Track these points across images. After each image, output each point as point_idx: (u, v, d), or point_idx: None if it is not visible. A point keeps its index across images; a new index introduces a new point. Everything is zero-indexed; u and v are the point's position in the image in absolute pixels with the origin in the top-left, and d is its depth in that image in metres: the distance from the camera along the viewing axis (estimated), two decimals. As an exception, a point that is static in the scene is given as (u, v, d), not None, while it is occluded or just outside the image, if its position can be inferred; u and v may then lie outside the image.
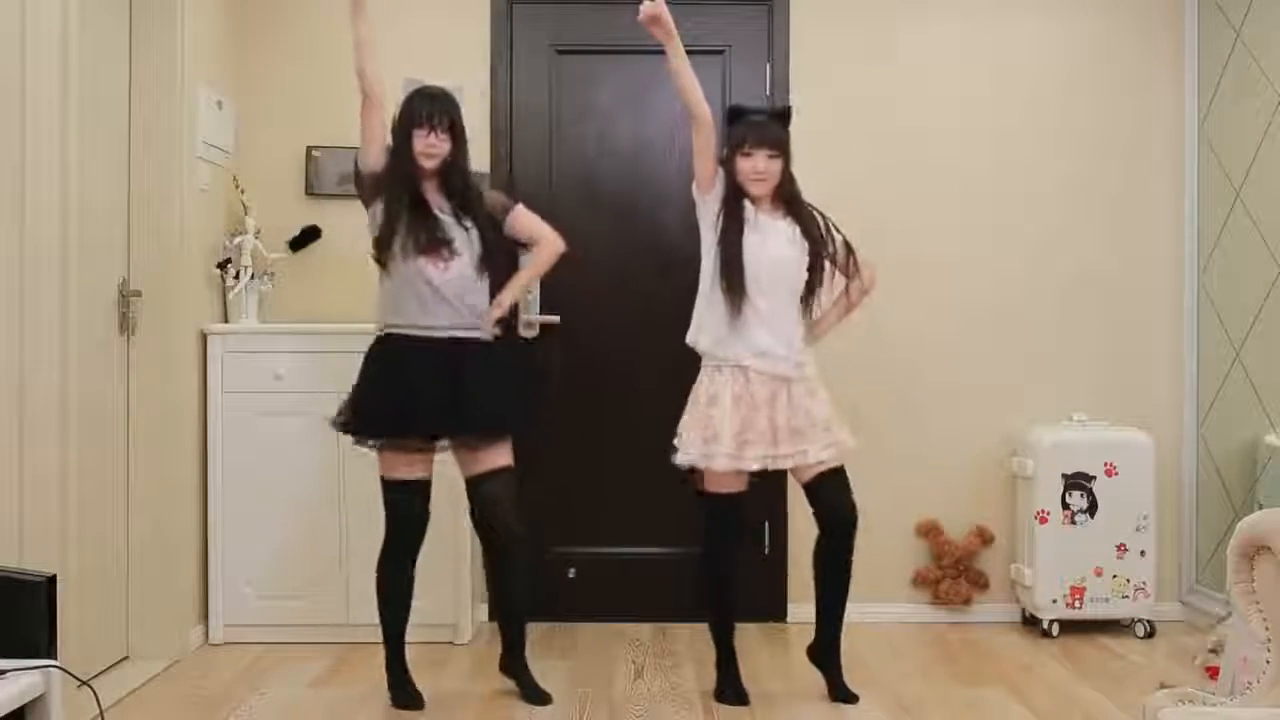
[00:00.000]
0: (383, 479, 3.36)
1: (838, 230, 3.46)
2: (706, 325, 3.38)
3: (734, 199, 3.36)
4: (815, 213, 3.44)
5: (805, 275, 3.37)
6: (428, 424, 3.28)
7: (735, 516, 3.42)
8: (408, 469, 3.34)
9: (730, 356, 3.32)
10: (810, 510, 3.44)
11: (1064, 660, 3.86)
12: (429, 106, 3.29)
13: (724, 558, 3.44)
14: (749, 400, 3.30)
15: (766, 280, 3.31)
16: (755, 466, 3.30)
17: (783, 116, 3.44)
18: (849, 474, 3.43)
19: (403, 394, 3.25)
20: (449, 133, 3.30)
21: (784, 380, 3.32)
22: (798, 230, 3.37)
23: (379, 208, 3.32)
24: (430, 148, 3.29)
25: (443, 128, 3.29)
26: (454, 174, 3.34)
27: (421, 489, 3.38)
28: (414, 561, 3.41)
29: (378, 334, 3.36)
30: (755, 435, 3.29)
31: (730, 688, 3.45)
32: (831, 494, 3.37)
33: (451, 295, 3.29)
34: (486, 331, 3.39)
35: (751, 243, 3.31)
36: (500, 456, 3.37)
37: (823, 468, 3.36)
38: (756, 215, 3.35)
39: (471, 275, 3.33)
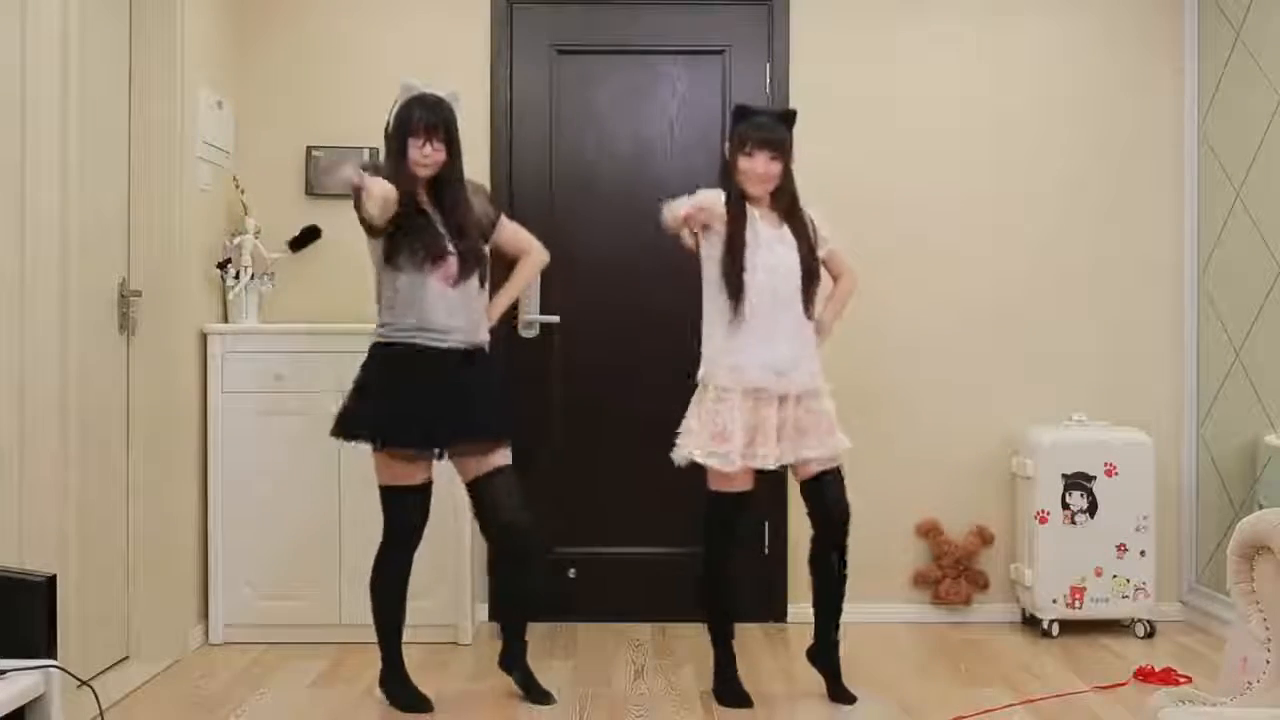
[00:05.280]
0: (382, 487, 3.35)
1: (818, 232, 3.48)
2: (717, 353, 3.36)
3: (739, 213, 3.35)
4: (809, 218, 3.46)
5: (804, 284, 3.37)
6: (429, 435, 3.28)
7: (740, 516, 3.41)
8: (408, 475, 3.33)
9: (743, 381, 3.29)
10: (805, 509, 3.46)
11: (1064, 660, 3.86)
12: (426, 116, 3.23)
13: (727, 558, 3.43)
14: (757, 399, 3.29)
15: (774, 293, 3.32)
16: (771, 465, 3.30)
17: (787, 119, 3.47)
18: (847, 475, 3.45)
19: (406, 404, 3.25)
20: (444, 142, 3.26)
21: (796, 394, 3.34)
22: (795, 239, 3.39)
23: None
24: (425, 158, 3.25)
25: (438, 138, 3.24)
26: (447, 185, 3.31)
27: (423, 493, 3.37)
28: (410, 562, 3.40)
29: (380, 338, 3.34)
30: (765, 434, 3.29)
31: (731, 690, 3.44)
32: (827, 491, 3.39)
33: (459, 306, 3.29)
34: (483, 340, 3.40)
35: (756, 257, 3.32)
36: (499, 458, 3.36)
37: (822, 466, 3.37)
38: (758, 227, 3.35)
39: (473, 286, 3.33)
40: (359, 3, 4.37)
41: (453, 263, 3.27)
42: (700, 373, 3.39)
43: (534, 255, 3.56)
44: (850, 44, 4.39)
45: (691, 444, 3.32)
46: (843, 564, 3.44)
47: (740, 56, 4.39)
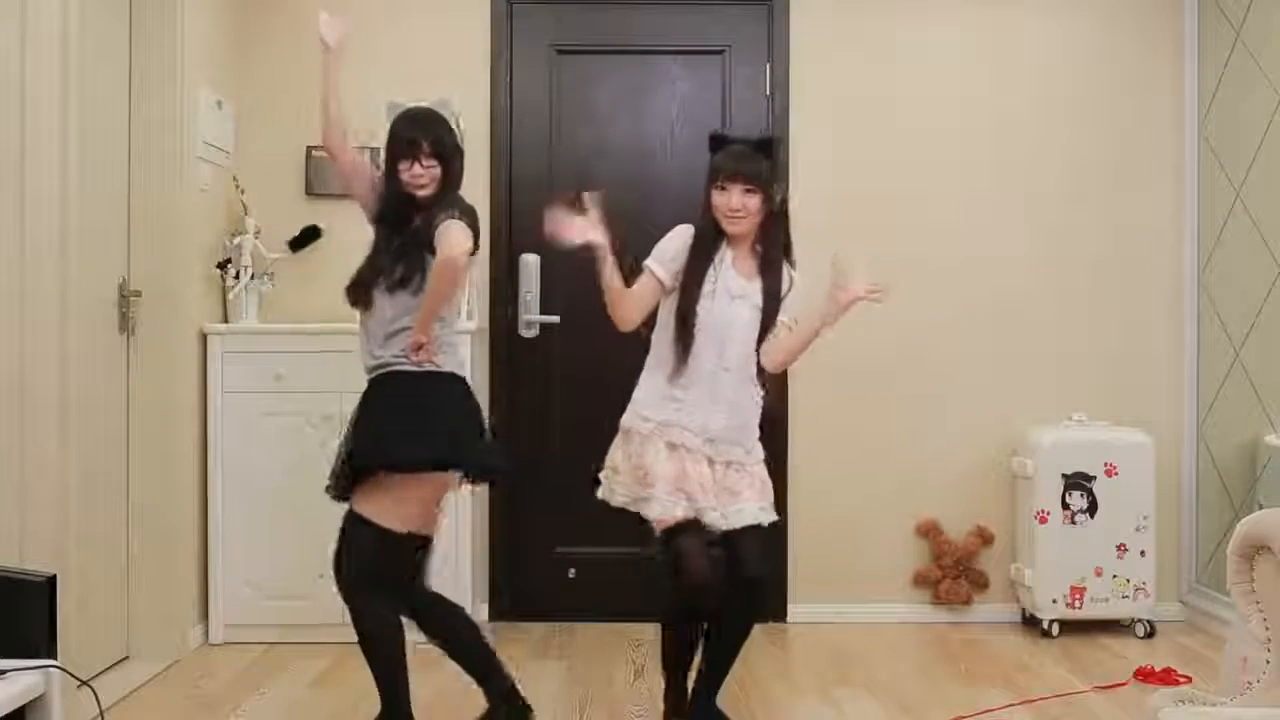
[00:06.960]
0: None
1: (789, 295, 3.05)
2: (648, 407, 3.02)
3: (706, 246, 2.98)
4: (791, 277, 3.03)
5: (758, 348, 2.99)
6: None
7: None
8: None
9: (668, 435, 2.96)
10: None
11: (1064, 660, 3.86)
12: (410, 133, 2.96)
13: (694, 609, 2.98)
14: (683, 452, 2.96)
15: (720, 351, 2.95)
16: (718, 524, 2.91)
17: (765, 147, 3.00)
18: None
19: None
20: (435, 157, 2.96)
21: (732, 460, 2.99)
22: (763, 299, 2.97)
23: None
24: (416, 179, 2.95)
25: (425, 154, 2.94)
26: (443, 200, 2.96)
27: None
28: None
29: None
30: (702, 486, 2.92)
31: (709, 715, 3.03)
32: (745, 551, 2.90)
33: (372, 333, 3.03)
34: (412, 362, 2.97)
35: (712, 311, 2.94)
36: (361, 500, 2.93)
37: (749, 523, 2.94)
38: (726, 276, 2.96)
39: (386, 306, 2.97)
40: (359, 3, 4.36)
41: (361, 292, 3.02)
42: (625, 418, 3.08)
43: (436, 264, 2.89)
44: (850, 44, 4.39)
45: (617, 486, 3.04)
46: (747, 628, 2.98)
47: (740, 57, 4.39)
